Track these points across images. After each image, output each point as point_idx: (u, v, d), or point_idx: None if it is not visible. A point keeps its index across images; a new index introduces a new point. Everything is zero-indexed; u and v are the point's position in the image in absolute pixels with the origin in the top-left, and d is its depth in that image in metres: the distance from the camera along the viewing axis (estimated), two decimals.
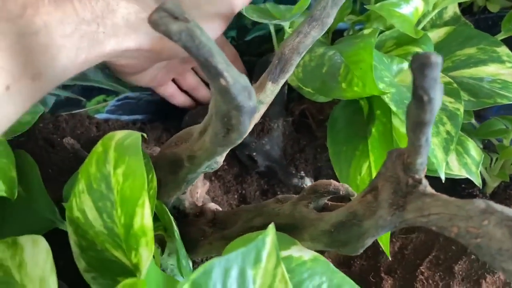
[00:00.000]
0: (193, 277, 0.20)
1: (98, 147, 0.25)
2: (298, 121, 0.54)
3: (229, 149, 0.27)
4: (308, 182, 0.53)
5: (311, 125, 0.54)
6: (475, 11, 0.64)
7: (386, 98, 0.34)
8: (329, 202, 0.29)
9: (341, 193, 0.27)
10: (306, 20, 0.31)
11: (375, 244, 0.48)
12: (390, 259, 0.46)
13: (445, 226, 0.21)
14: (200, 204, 0.42)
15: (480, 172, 0.42)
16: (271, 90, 0.33)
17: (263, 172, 0.54)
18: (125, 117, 0.54)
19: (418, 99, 0.16)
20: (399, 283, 0.43)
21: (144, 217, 0.22)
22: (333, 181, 0.27)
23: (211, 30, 0.38)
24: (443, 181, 0.33)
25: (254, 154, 0.53)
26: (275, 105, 0.54)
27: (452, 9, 0.51)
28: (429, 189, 0.21)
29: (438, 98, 0.16)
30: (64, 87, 0.49)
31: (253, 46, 0.57)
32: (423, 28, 0.49)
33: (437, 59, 0.14)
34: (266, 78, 0.33)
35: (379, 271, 0.45)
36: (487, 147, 0.44)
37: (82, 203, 0.26)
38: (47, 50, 0.28)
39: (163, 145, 0.35)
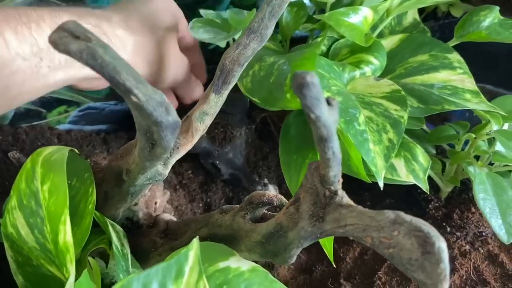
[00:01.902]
0: None
1: (28, 163, 0.25)
2: (260, 128, 0.55)
3: (158, 163, 0.27)
4: (271, 189, 0.53)
5: (273, 132, 0.54)
6: (439, 16, 0.65)
7: None
8: (268, 212, 0.30)
9: (275, 203, 0.27)
10: (245, 32, 0.31)
11: (336, 250, 0.48)
12: (350, 264, 0.47)
13: (360, 236, 0.21)
14: (158, 214, 0.42)
15: (433, 178, 0.42)
16: (215, 102, 0.33)
17: (227, 180, 0.54)
18: (88, 128, 0.54)
19: (308, 117, 0.16)
20: None
21: (66, 234, 0.22)
22: (267, 192, 0.28)
23: (166, 42, 0.39)
24: (381, 188, 0.33)
25: (217, 162, 0.53)
26: (237, 114, 0.54)
27: (412, 15, 0.52)
28: (346, 200, 0.22)
29: (326, 115, 0.16)
30: None
31: (216, 55, 0.57)
32: (381, 34, 0.49)
33: (312, 79, 0.15)
34: (210, 90, 0.33)
35: (339, 277, 0.45)
36: (441, 153, 0.44)
37: (14, 219, 0.26)
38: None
39: (110, 157, 0.35)
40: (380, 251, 0.21)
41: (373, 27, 0.45)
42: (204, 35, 0.40)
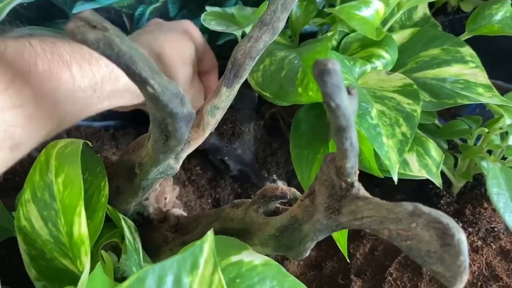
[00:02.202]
0: (126, 284, 0.20)
1: (41, 156, 0.25)
2: (269, 124, 0.55)
3: (171, 156, 0.27)
4: (280, 184, 0.53)
5: (282, 128, 0.54)
6: (449, 11, 0.64)
7: None
8: (280, 206, 0.29)
9: (288, 197, 0.27)
10: (257, 25, 0.31)
11: (346, 246, 0.48)
12: (361, 260, 0.46)
13: (377, 229, 0.21)
14: (169, 209, 0.42)
15: (445, 173, 0.42)
16: (226, 96, 0.33)
17: (236, 176, 0.54)
18: (97, 124, 0.54)
19: (327, 106, 0.16)
20: (367, 285, 0.43)
21: (82, 226, 0.22)
22: (280, 186, 0.28)
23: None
24: (396, 183, 0.33)
25: (226, 158, 0.53)
26: (246, 109, 0.54)
27: (422, 10, 0.51)
28: (362, 192, 0.21)
29: (346, 104, 0.16)
30: None
31: (225, 50, 0.57)
32: (391, 29, 0.49)
33: (334, 65, 0.14)
34: (221, 84, 0.33)
35: (349, 273, 0.45)
36: (453, 148, 0.44)
37: (28, 212, 0.26)
38: (31, 121, 0.27)
39: (122, 151, 0.35)
40: (398, 244, 0.21)
41: (384, 22, 0.45)
42: (217, 27, 0.40)
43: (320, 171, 0.23)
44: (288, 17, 0.47)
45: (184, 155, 0.34)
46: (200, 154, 0.56)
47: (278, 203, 0.30)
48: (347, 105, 0.16)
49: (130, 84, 0.33)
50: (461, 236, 0.19)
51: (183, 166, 0.55)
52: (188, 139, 0.34)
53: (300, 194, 0.27)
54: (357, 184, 0.21)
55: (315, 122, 0.40)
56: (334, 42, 0.44)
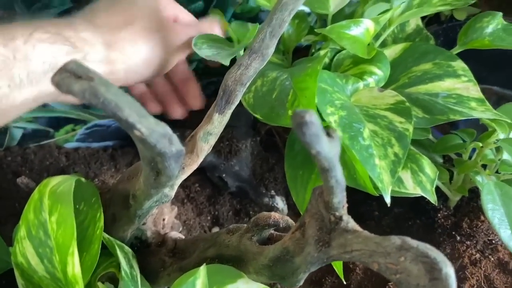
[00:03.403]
0: None
1: (35, 194, 0.26)
2: (265, 140, 0.55)
3: (163, 190, 0.27)
4: (278, 200, 0.53)
5: (279, 143, 0.54)
6: (442, 20, 0.64)
7: (333, 123, 0.34)
8: (274, 233, 0.30)
9: (281, 225, 0.27)
10: (246, 53, 0.32)
11: (346, 261, 0.48)
12: (360, 275, 0.46)
13: (366, 262, 0.21)
14: (167, 230, 0.42)
15: (440, 188, 0.42)
16: (219, 122, 0.34)
17: (235, 193, 0.54)
18: (95, 144, 0.55)
19: (309, 152, 0.16)
20: None
21: (75, 266, 0.22)
22: (273, 214, 0.28)
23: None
24: (389, 205, 0.33)
25: (224, 175, 0.53)
26: (242, 126, 0.54)
27: (415, 22, 0.52)
28: (351, 225, 0.22)
29: (326, 149, 0.16)
30: (30, 120, 0.50)
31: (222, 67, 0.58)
32: (384, 43, 0.49)
33: (311, 117, 0.15)
34: (213, 110, 0.33)
35: None
36: (448, 161, 0.44)
37: (24, 249, 0.26)
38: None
39: (117, 179, 0.35)
40: (388, 277, 0.21)
41: (376, 36, 0.45)
42: (208, 52, 0.40)
43: (310, 204, 0.23)
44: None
45: (179, 182, 0.34)
46: (198, 171, 0.56)
47: (273, 229, 0.30)
48: (328, 149, 0.16)
49: (51, 61, 0.31)
50: (449, 270, 0.19)
51: (181, 184, 0.55)
52: (182, 165, 0.34)
53: (293, 222, 0.28)
54: (346, 218, 0.22)
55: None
56: (327, 59, 0.45)
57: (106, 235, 0.33)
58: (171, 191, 0.32)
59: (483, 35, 0.43)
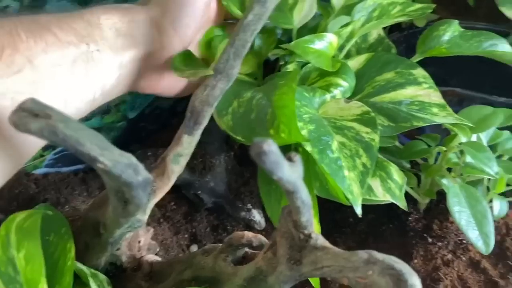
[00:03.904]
0: None
1: (2, 230, 0.25)
2: (239, 154, 0.55)
3: (132, 219, 0.27)
4: (255, 213, 0.53)
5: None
6: (403, 27, 0.66)
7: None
8: (249, 251, 0.30)
9: (254, 244, 0.28)
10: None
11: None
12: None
13: (337, 277, 0.21)
14: (144, 253, 0.42)
15: (409, 192, 0.43)
16: (188, 143, 0.34)
17: (211, 208, 0.54)
18: (65, 169, 0.54)
19: (272, 178, 0.17)
20: None
21: None
22: (246, 233, 0.28)
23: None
24: (360, 216, 0.34)
25: (199, 192, 0.53)
26: (214, 142, 0.55)
27: (377, 31, 0.53)
28: (321, 242, 0.22)
29: (287, 174, 0.17)
30: None
31: None
32: (348, 53, 0.50)
33: (270, 146, 0.15)
34: (182, 132, 0.34)
35: None
36: (416, 166, 0.45)
37: None
38: (36, 86, 0.26)
39: (88, 206, 0.35)
40: None
41: (340, 48, 0.46)
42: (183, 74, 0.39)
43: (280, 223, 0.23)
44: (252, 47, 0.48)
45: (151, 205, 0.34)
46: (173, 189, 0.55)
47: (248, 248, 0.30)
48: (290, 173, 0.17)
49: (116, 26, 0.32)
50: (415, 281, 0.20)
51: (157, 203, 0.55)
52: (153, 188, 0.34)
53: (265, 240, 0.28)
54: (315, 235, 0.22)
55: None
56: None
57: (79, 265, 0.32)
58: (143, 216, 0.32)
59: (440, 43, 0.44)
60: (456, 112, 0.43)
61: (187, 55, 0.39)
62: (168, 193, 0.57)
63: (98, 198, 0.33)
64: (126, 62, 0.33)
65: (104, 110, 0.53)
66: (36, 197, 0.50)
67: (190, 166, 0.53)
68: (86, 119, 0.53)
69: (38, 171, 0.52)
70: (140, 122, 0.58)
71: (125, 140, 0.57)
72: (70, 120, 0.19)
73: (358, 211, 0.33)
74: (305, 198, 0.20)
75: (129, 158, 0.21)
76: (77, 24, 0.30)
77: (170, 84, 0.40)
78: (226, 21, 0.45)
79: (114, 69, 0.32)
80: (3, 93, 0.25)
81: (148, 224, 0.50)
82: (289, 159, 0.17)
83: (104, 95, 0.33)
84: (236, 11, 0.44)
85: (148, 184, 0.23)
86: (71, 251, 0.29)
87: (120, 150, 0.21)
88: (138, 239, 0.43)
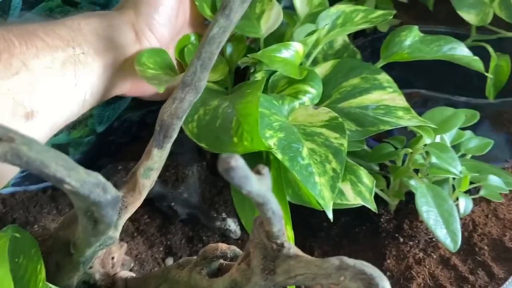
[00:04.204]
0: None
1: None
2: (212, 164, 0.55)
3: (103, 238, 0.27)
4: (230, 222, 0.53)
5: None
6: (367, 32, 0.68)
7: (273, 146, 0.35)
8: (224, 263, 0.30)
9: (228, 255, 0.28)
10: (179, 87, 0.32)
11: None
12: None
13: (310, 285, 0.22)
14: (118, 269, 0.41)
15: (379, 194, 0.44)
16: (159, 156, 0.34)
17: (186, 220, 0.54)
18: (33, 187, 0.52)
19: (241, 192, 0.17)
20: None
21: None
22: (220, 245, 0.28)
23: None
24: (331, 220, 0.34)
25: (173, 204, 0.52)
26: (186, 153, 0.54)
27: (342, 38, 0.54)
28: (293, 251, 0.22)
29: (256, 187, 0.17)
30: None
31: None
32: (315, 60, 0.51)
33: (237, 162, 0.15)
34: (152, 146, 0.33)
35: None
36: (384, 168, 0.46)
37: None
38: (33, 87, 0.29)
39: (57, 225, 0.34)
40: None
41: (307, 55, 0.47)
42: (145, 73, 0.39)
43: (252, 234, 0.23)
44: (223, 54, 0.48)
45: (122, 221, 0.34)
46: (146, 202, 0.55)
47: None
48: (259, 187, 0.17)
49: (97, 28, 0.35)
50: (385, 284, 0.20)
51: (130, 218, 0.54)
52: (125, 204, 0.34)
53: (239, 251, 0.28)
54: (287, 244, 0.22)
55: (253, 164, 0.40)
56: None
57: (50, 286, 0.31)
58: (115, 233, 0.32)
59: (402, 48, 0.46)
60: (421, 113, 0.44)
61: (156, 52, 0.39)
62: (141, 206, 0.56)
63: (68, 216, 0.33)
64: (109, 64, 0.36)
65: (71, 125, 0.52)
66: (4, 217, 0.48)
67: (162, 178, 0.53)
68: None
69: (4, 191, 0.50)
70: (109, 135, 0.57)
71: (94, 155, 0.56)
72: (34, 142, 0.18)
73: (330, 215, 0.34)
74: (275, 208, 0.20)
75: (96, 177, 0.21)
76: (61, 30, 0.33)
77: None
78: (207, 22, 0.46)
79: (100, 70, 0.35)
80: (4, 93, 0.28)
81: (121, 239, 0.49)
82: (257, 172, 0.17)
83: (93, 96, 0.35)
84: (208, 12, 0.44)
85: (117, 202, 0.22)
86: (42, 273, 0.28)
87: (86, 169, 0.21)
88: (112, 255, 0.43)
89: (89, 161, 0.56)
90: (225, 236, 0.53)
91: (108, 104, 0.54)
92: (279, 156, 0.35)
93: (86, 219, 0.23)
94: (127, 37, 0.37)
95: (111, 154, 0.58)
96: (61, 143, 0.52)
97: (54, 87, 0.31)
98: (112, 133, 0.57)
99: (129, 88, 0.40)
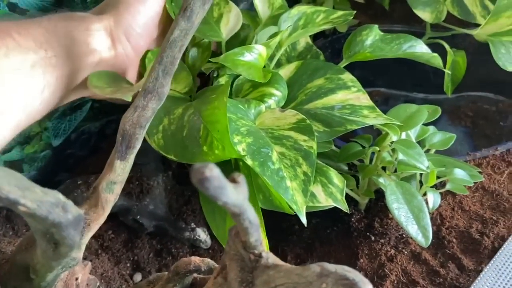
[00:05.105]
0: None
1: None
2: (178, 173, 0.53)
3: (66, 260, 0.25)
4: (200, 232, 0.51)
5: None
6: (327, 33, 0.68)
7: (242, 152, 0.34)
8: (198, 277, 0.28)
9: (202, 269, 0.26)
10: (141, 94, 0.30)
11: None
12: None
13: None
14: None
15: (349, 194, 0.44)
16: (122, 169, 0.32)
17: (153, 232, 0.52)
18: None
19: (217, 202, 0.16)
20: None
21: None
22: (193, 259, 0.27)
23: None
24: (305, 225, 0.34)
25: (138, 217, 0.50)
26: (150, 163, 0.52)
27: (304, 40, 0.54)
28: (272, 261, 0.21)
29: (232, 197, 0.16)
30: None
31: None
32: (279, 62, 0.51)
33: (211, 172, 0.14)
34: (114, 157, 0.31)
35: None
36: (353, 167, 0.46)
37: None
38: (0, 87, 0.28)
39: (15, 248, 0.32)
40: None
41: (271, 57, 0.46)
42: (107, 90, 0.37)
43: (227, 246, 0.22)
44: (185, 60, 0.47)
45: (86, 240, 0.31)
46: (110, 217, 0.52)
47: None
48: (235, 196, 0.16)
49: (73, 33, 0.35)
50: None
51: (93, 234, 0.52)
52: (87, 221, 0.32)
53: (214, 263, 0.27)
54: (265, 254, 0.21)
55: (221, 171, 0.39)
56: None
57: None
58: (78, 253, 0.29)
59: (364, 47, 0.46)
60: (384, 111, 0.45)
61: (104, 74, 0.38)
62: (104, 221, 0.53)
63: (25, 238, 0.30)
64: (81, 68, 0.35)
65: (24, 140, 0.49)
66: None
67: (126, 191, 0.50)
68: (4, 152, 0.48)
69: None
70: (67, 149, 0.54)
71: (51, 170, 0.53)
72: None
73: (303, 220, 0.33)
74: (252, 218, 0.19)
75: (55, 196, 0.19)
76: (35, 30, 0.32)
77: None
78: None
79: (71, 74, 0.35)
80: None
81: (84, 258, 0.47)
82: (233, 181, 0.16)
83: (61, 99, 0.35)
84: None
85: (80, 221, 0.21)
86: None
87: (43, 187, 0.19)
88: (75, 276, 0.40)
89: (46, 178, 0.53)
90: (195, 247, 0.51)
91: (63, 116, 0.51)
92: (249, 162, 0.34)
93: (46, 241, 0.21)
94: (103, 43, 0.37)
95: (69, 168, 0.55)
96: (14, 159, 0.49)
97: (21, 88, 0.31)
98: (69, 146, 0.54)
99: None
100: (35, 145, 0.50)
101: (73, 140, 0.54)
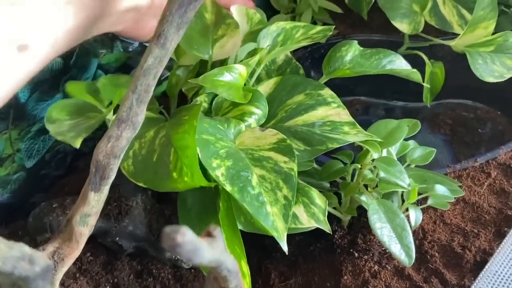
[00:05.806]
0: None
1: None
2: (157, 192, 0.52)
3: None
4: None
5: (172, 193, 0.52)
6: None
7: (221, 177, 0.33)
8: None
9: None
10: (114, 123, 0.29)
11: None
12: None
13: None
14: None
15: (332, 212, 0.44)
16: (96, 200, 0.31)
17: (133, 253, 0.50)
18: None
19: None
20: None
21: None
22: None
23: None
24: (286, 253, 0.33)
25: (118, 238, 0.49)
26: (129, 183, 0.50)
27: (284, 53, 0.54)
28: None
29: (207, 256, 0.15)
30: None
31: None
32: (258, 77, 0.50)
33: (183, 237, 0.13)
34: (87, 189, 0.30)
35: None
36: (335, 185, 0.46)
37: None
38: (27, 19, 0.29)
39: None
40: None
41: (251, 74, 0.46)
42: (59, 127, 0.36)
43: None
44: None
45: (60, 276, 0.30)
46: (88, 239, 0.51)
47: None
48: (210, 255, 0.15)
49: None
50: None
51: None
52: (61, 256, 0.30)
53: None
54: None
55: (201, 194, 0.38)
56: (205, 104, 0.44)
57: None
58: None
59: (344, 63, 0.46)
60: (364, 120, 0.45)
61: (66, 103, 0.36)
62: None
63: None
64: (113, 13, 0.35)
65: None
66: None
67: (104, 212, 0.49)
68: None
69: None
70: (41, 169, 0.52)
71: (26, 192, 0.51)
72: None
73: (284, 247, 0.32)
74: (230, 267, 0.18)
75: (20, 249, 0.18)
76: None
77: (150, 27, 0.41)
78: None
79: (101, 16, 0.34)
80: None
81: (62, 283, 0.45)
82: (208, 234, 0.16)
83: (86, 31, 0.34)
84: None
85: (48, 272, 0.19)
86: None
87: (7, 241, 0.18)
88: None
89: (20, 200, 0.51)
90: (176, 267, 0.50)
91: (37, 136, 0.49)
92: (228, 188, 0.33)
93: None
94: None
95: (45, 189, 0.54)
96: None
97: (47, 20, 0.31)
98: (44, 167, 0.52)
99: (124, 26, 0.39)
100: (7, 167, 0.48)
101: (48, 160, 0.52)
